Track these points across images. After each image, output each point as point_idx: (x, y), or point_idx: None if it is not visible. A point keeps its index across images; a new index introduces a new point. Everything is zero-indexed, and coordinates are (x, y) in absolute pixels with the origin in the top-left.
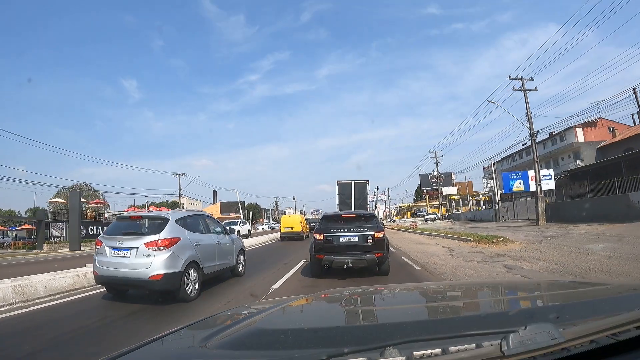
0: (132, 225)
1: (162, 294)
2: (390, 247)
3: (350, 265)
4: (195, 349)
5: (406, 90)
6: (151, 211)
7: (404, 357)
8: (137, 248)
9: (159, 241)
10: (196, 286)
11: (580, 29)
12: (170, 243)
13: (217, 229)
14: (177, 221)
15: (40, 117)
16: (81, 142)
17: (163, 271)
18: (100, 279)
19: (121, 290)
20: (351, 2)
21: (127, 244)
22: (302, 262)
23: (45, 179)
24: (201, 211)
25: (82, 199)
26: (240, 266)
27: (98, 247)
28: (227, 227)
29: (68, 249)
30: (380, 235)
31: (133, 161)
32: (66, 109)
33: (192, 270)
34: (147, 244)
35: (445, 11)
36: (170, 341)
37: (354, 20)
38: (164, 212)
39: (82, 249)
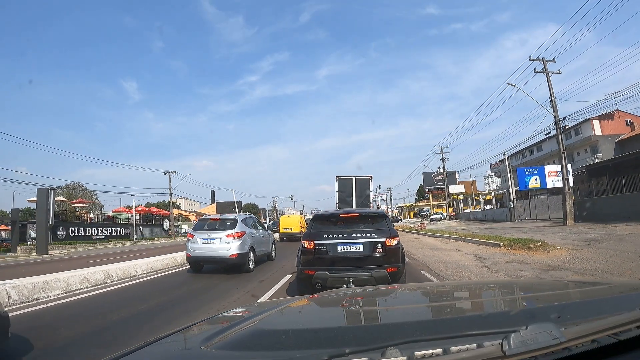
0: (213, 224)
1: (235, 266)
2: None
3: (352, 285)
4: (195, 350)
5: (406, 91)
6: (222, 215)
7: (405, 357)
8: (221, 238)
9: (235, 233)
10: (253, 263)
11: (595, 24)
12: (241, 235)
13: (260, 226)
14: (242, 221)
15: (40, 118)
16: (81, 143)
17: (238, 252)
18: (192, 259)
19: (200, 265)
20: (350, 3)
21: (213, 235)
22: (287, 278)
23: (41, 180)
24: (251, 214)
25: (63, 199)
26: (273, 253)
27: (190, 238)
28: (266, 225)
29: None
30: (394, 242)
31: (134, 162)
32: (66, 110)
33: (251, 252)
34: (227, 235)
35: (444, 11)
36: (171, 342)
37: (352, 20)
38: (235, 215)
39: (54, 252)
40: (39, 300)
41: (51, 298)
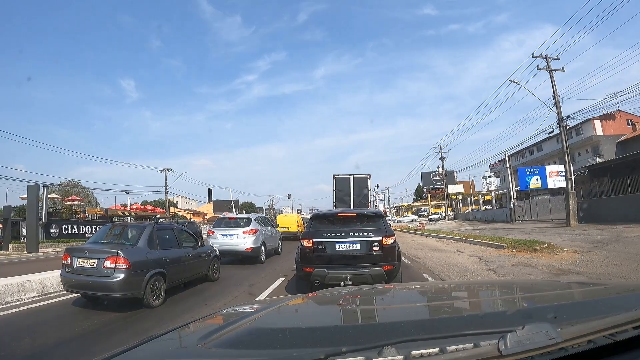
0: (231, 222)
1: (250, 258)
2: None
3: (350, 282)
4: (192, 347)
5: (403, 91)
6: (238, 214)
7: (401, 357)
8: (238, 234)
9: (250, 230)
10: (264, 255)
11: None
12: (255, 231)
13: (269, 225)
14: (255, 219)
15: (37, 116)
16: (79, 141)
17: (252, 246)
18: None
19: (224, 256)
20: (347, 3)
21: (231, 231)
22: (279, 281)
23: (38, 177)
24: (262, 214)
25: (57, 196)
26: (280, 248)
27: (211, 234)
28: (274, 223)
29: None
30: (390, 241)
31: (132, 161)
32: (64, 108)
33: (263, 246)
34: (243, 232)
35: (441, 12)
36: (168, 340)
37: (350, 20)
38: (249, 214)
39: (46, 250)
40: (11, 304)
41: (25, 301)
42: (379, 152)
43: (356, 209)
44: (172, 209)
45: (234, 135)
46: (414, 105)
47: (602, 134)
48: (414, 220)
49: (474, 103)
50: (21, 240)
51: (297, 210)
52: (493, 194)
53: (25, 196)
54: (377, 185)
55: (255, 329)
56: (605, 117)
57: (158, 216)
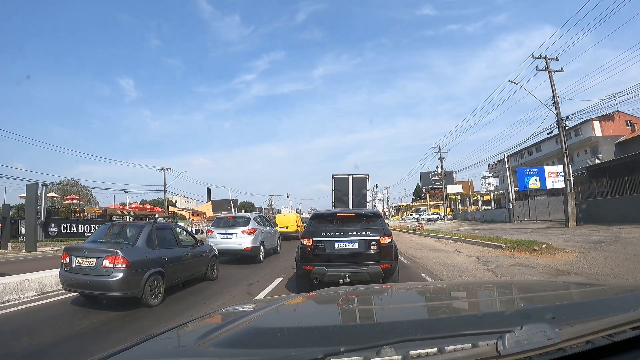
0: (230, 221)
1: (248, 258)
2: (399, 256)
3: (348, 279)
4: (191, 347)
5: (403, 91)
6: (237, 214)
7: (400, 356)
8: (237, 233)
9: (248, 229)
10: (263, 255)
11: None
12: (253, 231)
13: (268, 224)
14: (254, 219)
15: (37, 115)
16: (78, 140)
17: (251, 245)
18: None
19: (223, 256)
20: (346, 3)
21: (230, 231)
22: (278, 280)
23: (37, 176)
24: (261, 214)
25: (55, 195)
26: (279, 247)
27: (209, 234)
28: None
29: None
30: (387, 240)
31: (131, 160)
32: (63, 108)
33: (262, 246)
34: (242, 231)
35: (440, 12)
36: (166, 339)
37: (349, 20)
38: (248, 214)
39: (45, 249)
40: (10, 303)
41: (23, 300)
42: (378, 152)
43: (355, 208)
44: (171, 208)
45: (233, 134)
46: (413, 105)
47: (601, 134)
48: (429, 221)
49: (473, 103)
50: (20, 239)
51: (296, 209)
52: (492, 194)
53: (24, 195)
54: (376, 185)
55: (253, 329)
56: (604, 118)
57: (157, 215)
